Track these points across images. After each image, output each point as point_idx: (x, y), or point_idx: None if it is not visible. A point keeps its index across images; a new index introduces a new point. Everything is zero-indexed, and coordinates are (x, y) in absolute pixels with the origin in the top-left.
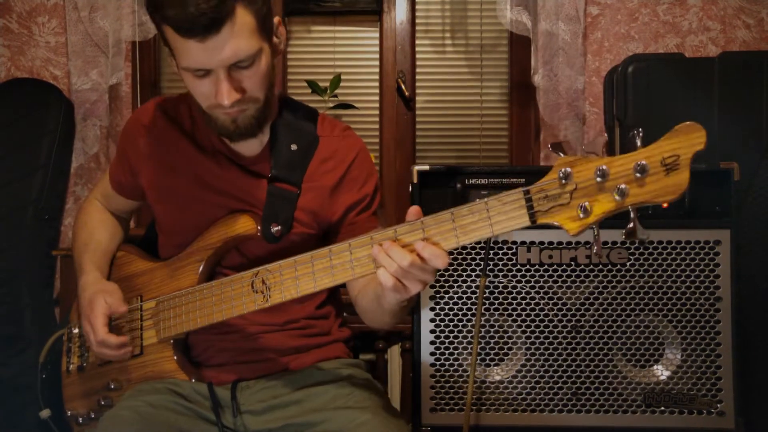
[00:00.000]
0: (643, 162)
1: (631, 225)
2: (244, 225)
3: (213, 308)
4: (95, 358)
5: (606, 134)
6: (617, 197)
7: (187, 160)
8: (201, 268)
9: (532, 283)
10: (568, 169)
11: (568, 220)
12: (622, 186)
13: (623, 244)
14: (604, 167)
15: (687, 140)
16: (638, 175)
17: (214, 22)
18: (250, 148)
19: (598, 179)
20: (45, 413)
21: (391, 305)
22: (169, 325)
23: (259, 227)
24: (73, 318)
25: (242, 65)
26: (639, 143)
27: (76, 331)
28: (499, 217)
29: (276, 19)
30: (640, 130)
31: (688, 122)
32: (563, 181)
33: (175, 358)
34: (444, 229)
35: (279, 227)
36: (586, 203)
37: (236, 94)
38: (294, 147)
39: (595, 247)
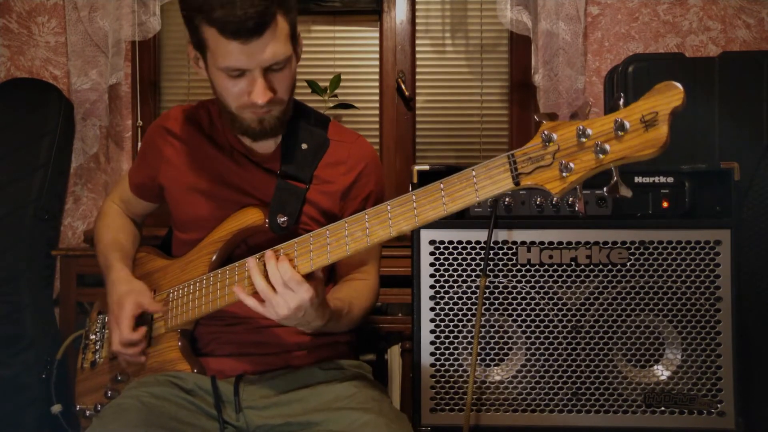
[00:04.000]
0: (623, 120)
1: (613, 181)
2: (253, 216)
3: (217, 294)
4: (107, 353)
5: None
6: (599, 154)
7: (206, 158)
8: (212, 261)
9: (533, 283)
10: (551, 132)
11: (551, 180)
12: (603, 143)
13: (623, 244)
14: (586, 127)
15: (665, 98)
16: (619, 132)
17: (259, 26)
18: (265, 146)
19: (581, 139)
20: (56, 408)
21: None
22: (176, 314)
23: (266, 219)
24: (92, 317)
25: (276, 68)
26: (621, 106)
27: (96, 329)
28: (484, 182)
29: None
30: (622, 94)
31: (666, 81)
32: (546, 143)
33: (179, 344)
34: (433, 198)
35: (285, 218)
36: (568, 162)
37: (270, 94)
38: (305, 146)
39: (577, 206)
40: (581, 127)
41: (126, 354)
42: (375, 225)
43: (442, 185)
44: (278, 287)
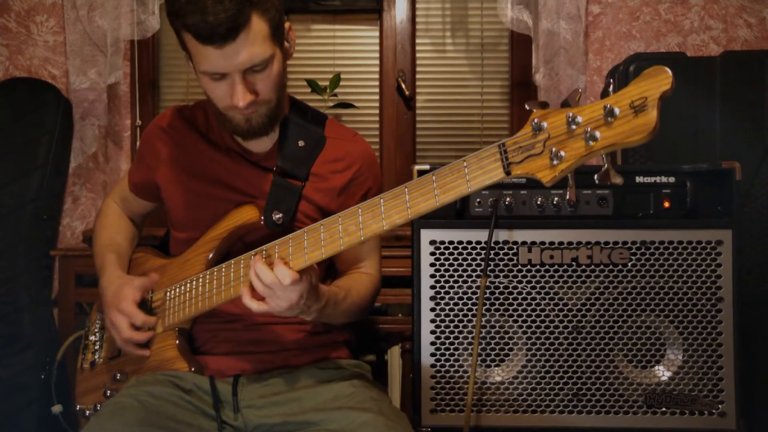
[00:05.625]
0: (612, 106)
1: (604, 168)
2: (248, 214)
3: (213, 291)
4: (107, 353)
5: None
6: (588, 141)
7: (202, 157)
8: (208, 258)
9: (533, 284)
10: (541, 121)
11: (541, 168)
12: (593, 130)
13: (624, 244)
14: (575, 115)
15: (654, 83)
16: (608, 119)
17: (232, 30)
18: (261, 145)
19: (570, 127)
20: (57, 408)
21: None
22: (173, 313)
23: (261, 216)
24: (92, 318)
25: (256, 69)
26: (611, 92)
27: (95, 330)
28: (476, 172)
29: (287, 25)
30: (612, 81)
31: (654, 66)
32: (536, 132)
33: (177, 342)
34: (425, 190)
35: (281, 215)
36: (558, 150)
37: (250, 96)
38: (301, 143)
39: (568, 194)
40: (571, 115)
41: (135, 339)
42: (368, 219)
43: (434, 177)
44: (276, 288)
